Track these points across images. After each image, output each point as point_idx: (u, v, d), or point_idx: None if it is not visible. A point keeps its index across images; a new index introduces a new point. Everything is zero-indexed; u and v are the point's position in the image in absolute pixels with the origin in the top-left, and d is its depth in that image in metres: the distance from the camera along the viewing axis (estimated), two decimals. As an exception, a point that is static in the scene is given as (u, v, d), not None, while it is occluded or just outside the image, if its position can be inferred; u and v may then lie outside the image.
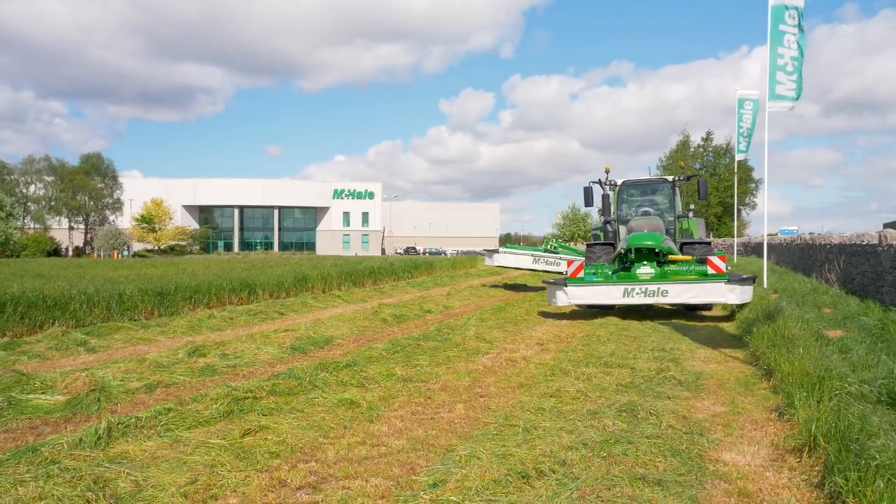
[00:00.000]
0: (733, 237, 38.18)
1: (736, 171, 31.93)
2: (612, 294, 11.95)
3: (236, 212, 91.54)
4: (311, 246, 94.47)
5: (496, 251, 21.52)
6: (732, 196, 33.51)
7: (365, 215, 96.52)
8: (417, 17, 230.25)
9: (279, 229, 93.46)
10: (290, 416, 5.39)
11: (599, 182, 15.18)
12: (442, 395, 6.37)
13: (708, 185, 14.03)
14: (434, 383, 6.83)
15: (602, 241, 15.37)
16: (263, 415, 5.37)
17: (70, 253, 70.65)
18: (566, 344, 9.55)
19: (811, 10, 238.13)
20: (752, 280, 11.65)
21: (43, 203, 72.79)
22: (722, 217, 64.82)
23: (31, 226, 71.28)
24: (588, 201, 15.07)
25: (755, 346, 8.24)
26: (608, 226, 15.28)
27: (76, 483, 3.74)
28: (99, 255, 66.55)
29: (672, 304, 12.92)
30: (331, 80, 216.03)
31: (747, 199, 63.66)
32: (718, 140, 66.45)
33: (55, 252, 66.49)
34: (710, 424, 5.36)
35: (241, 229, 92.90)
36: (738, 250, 36.61)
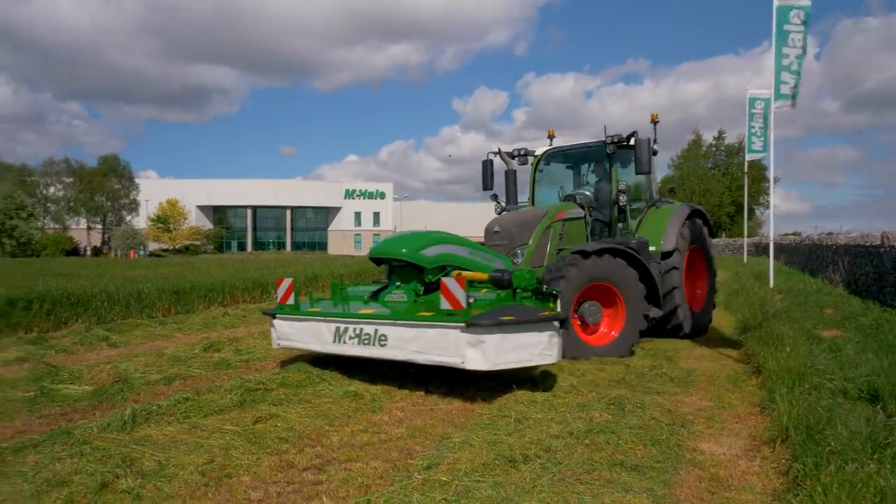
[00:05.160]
0: (744, 237, 38.34)
1: (746, 170, 32.05)
2: (320, 335, 6.96)
3: (249, 212, 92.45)
4: (322, 246, 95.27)
5: None
6: (744, 196, 33.58)
7: (376, 215, 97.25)
8: (430, 15, 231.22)
9: (291, 229, 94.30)
10: (299, 405, 5.77)
11: (500, 153, 10.49)
12: (442, 388, 6.72)
13: (651, 147, 8.97)
14: (435, 378, 7.17)
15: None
16: (274, 405, 5.76)
17: (88, 252, 71.73)
18: (567, 342, 9.84)
19: (836, 4, 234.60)
20: (558, 320, 6.22)
21: (62, 204, 74.14)
22: (735, 217, 64.69)
23: (51, 226, 72.55)
24: (487, 182, 10.38)
25: (748, 345, 8.52)
26: None
27: (106, 461, 4.16)
28: (116, 255, 67.56)
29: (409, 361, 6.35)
30: (344, 79, 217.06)
31: (761, 198, 63.57)
32: (731, 139, 66.22)
33: (74, 252, 67.62)
34: (694, 417, 5.66)
35: (255, 229, 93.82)
36: (748, 251, 36.76)
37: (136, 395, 6.30)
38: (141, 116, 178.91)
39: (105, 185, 75.02)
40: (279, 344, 7.46)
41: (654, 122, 9.77)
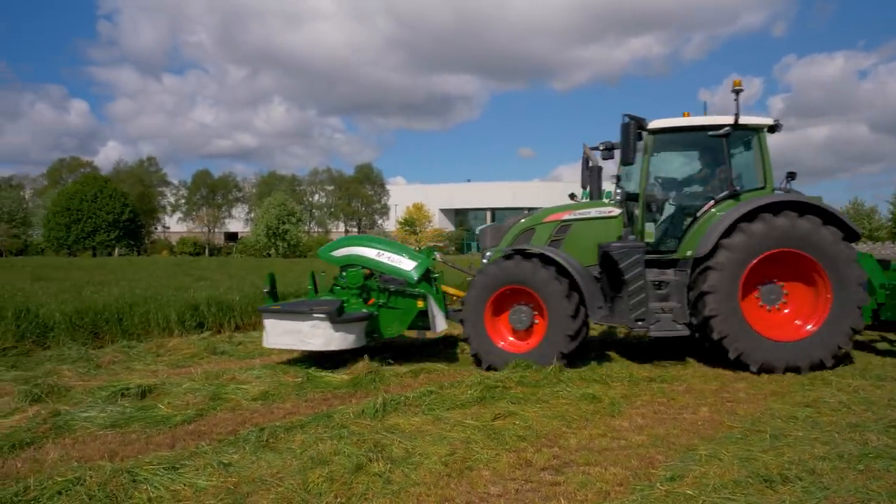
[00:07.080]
0: None
1: None
2: None
3: (488, 214, 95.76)
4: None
5: None
6: None
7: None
8: (675, 3, 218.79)
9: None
10: (536, 405, 5.81)
11: (584, 149, 9.76)
12: (686, 397, 6.35)
13: (633, 131, 7.82)
14: (679, 385, 6.81)
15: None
16: (512, 403, 5.88)
17: (346, 254, 79.70)
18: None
19: None
20: (322, 314, 7.32)
21: (325, 209, 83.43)
22: None
23: (315, 230, 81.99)
24: (584, 180, 10.06)
25: None
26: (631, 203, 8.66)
27: (361, 444, 4.56)
28: (370, 256, 74.13)
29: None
30: (582, 78, 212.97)
31: None
32: None
33: (335, 253, 75.52)
34: None
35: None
36: None
37: (387, 385, 6.80)
38: (391, 126, 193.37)
39: (360, 192, 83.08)
40: None
41: (736, 90, 7.99)
